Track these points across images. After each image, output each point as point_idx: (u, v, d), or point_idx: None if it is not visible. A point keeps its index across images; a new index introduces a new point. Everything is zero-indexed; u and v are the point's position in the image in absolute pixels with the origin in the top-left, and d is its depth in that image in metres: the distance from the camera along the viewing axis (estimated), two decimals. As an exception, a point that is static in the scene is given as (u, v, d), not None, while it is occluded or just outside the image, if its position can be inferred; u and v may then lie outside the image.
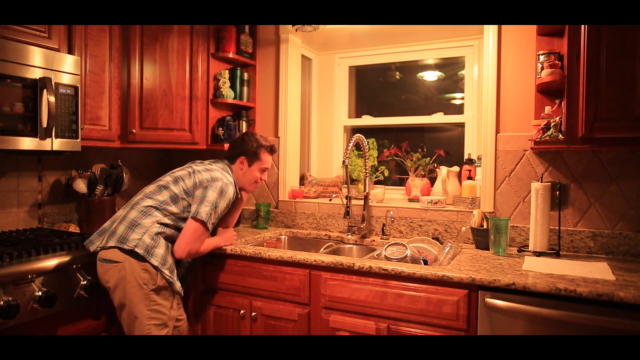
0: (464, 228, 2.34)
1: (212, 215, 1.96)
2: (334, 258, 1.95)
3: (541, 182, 2.05)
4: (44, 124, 1.92)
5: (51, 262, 1.77)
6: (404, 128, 3.06)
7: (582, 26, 1.76)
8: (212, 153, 2.87)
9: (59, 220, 2.47)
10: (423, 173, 2.76)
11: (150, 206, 1.92)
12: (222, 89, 2.73)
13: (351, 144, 2.41)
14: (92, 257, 1.91)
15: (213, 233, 2.20)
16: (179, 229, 1.96)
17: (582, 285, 1.55)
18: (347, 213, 2.47)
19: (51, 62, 1.96)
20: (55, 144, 1.99)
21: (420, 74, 3.04)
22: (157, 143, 2.56)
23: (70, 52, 2.09)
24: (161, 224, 1.91)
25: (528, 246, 2.09)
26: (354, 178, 2.95)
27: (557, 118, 1.98)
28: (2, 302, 1.57)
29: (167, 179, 2.02)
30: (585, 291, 1.51)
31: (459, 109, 2.86)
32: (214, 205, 1.96)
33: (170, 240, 1.95)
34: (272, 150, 2.25)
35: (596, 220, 2.12)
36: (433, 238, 2.36)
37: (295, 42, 2.94)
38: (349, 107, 3.22)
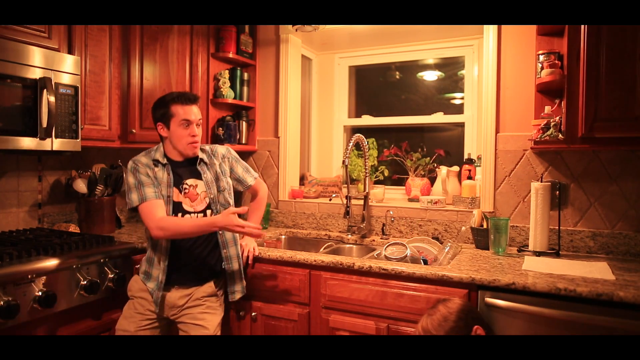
0: (463, 228, 2.34)
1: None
2: (334, 258, 1.95)
3: (541, 181, 2.05)
4: (44, 124, 1.92)
5: (51, 262, 1.77)
6: (403, 128, 3.06)
7: (582, 26, 1.76)
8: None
9: (59, 220, 2.47)
10: (423, 173, 2.76)
11: None
12: (222, 89, 2.73)
13: (351, 144, 2.41)
14: (91, 257, 1.91)
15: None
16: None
17: (582, 285, 1.55)
18: (347, 213, 2.47)
19: (51, 62, 1.96)
20: (55, 144, 1.99)
21: (420, 74, 3.04)
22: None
23: (70, 52, 2.09)
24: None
25: (528, 246, 2.09)
26: (354, 178, 2.95)
27: (557, 118, 1.98)
28: (2, 302, 1.57)
29: None
30: (585, 291, 1.51)
31: (459, 109, 2.86)
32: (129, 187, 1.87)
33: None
34: (184, 98, 1.86)
35: (596, 220, 2.12)
36: (433, 238, 2.36)
37: (295, 42, 2.94)
38: (348, 107, 3.22)
